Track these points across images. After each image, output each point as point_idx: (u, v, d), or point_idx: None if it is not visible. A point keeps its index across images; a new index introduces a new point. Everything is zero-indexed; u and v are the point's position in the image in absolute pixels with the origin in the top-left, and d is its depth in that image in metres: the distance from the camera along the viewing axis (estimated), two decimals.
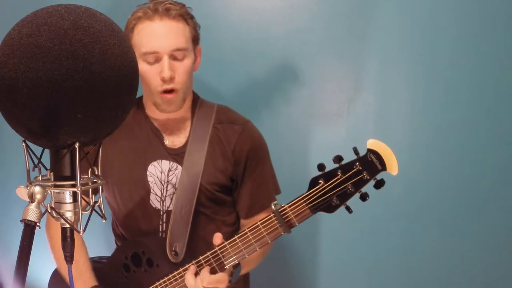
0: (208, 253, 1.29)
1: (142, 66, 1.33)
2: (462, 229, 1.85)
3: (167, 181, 1.44)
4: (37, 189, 0.70)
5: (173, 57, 1.33)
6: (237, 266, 1.34)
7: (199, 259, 1.30)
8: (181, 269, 1.32)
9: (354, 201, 1.19)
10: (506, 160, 1.81)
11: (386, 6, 1.78)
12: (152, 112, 1.46)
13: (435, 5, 1.76)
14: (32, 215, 0.70)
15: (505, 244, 1.85)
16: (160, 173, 1.44)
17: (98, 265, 1.48)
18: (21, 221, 0.70)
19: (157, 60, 1.33)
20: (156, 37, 1.32)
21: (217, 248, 1.28)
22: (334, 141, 1.86)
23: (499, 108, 1.79)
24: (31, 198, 0.71)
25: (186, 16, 1.36)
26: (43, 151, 0.76)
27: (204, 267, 1.28)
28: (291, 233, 1.22)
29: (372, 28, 1.79)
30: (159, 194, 1.45)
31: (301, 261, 1.97)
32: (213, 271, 1.28)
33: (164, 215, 1.45)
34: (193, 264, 1.30)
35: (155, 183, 1.44)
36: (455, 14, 1.76)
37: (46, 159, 0.76)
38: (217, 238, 1.29)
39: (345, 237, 1.92)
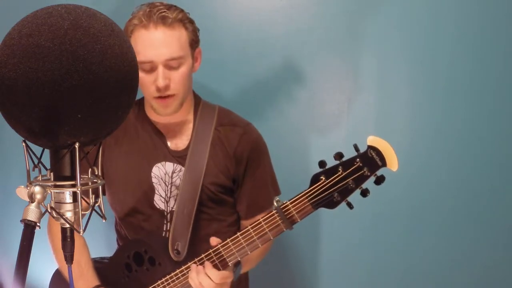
0: (211, 251, 1.29)
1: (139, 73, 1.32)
2: (462, 229, 1.85)
3: (171, 183, 1.45)
4: (37, 189, 0.70)
5: (168, 66, 1.32)
6: (238, 265, 1.34)
7: (201, 256, 1.30)
8: (183, 267, 1.33)
9: (354, 200, 1.20)
10: (506, 160, 1.81)
11: (386, 6, 1.78)
12: (152, 115, 1.47)
13: (435, 5, 1.76)
14: (32, 215, 0.70)
15: (505, 244, 1.85)
16: (164, 175, 1.45)
17: (100, 265, 1.49)
18: (21, 221, 0.70)
19: (153, 69, 1.32)
20: (150, 46, 1.31)
21: (219, 246, 1.28)
22: (334, 141, 1.85)
23: (499, 107, 1.78)
24: (31, 198, 0.71)
25: (184, 21, 1.34)
26: (43, 151, 0.76)
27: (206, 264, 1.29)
28: (293, 229, 1.22)
29: (372, 28, 1.79)
30: (163, 195, 1.46)
31: (301, 261, 1.97)
32: (216, 268, 1.28)
33: (168, 215, 1.46)
34: (194, 263, 1.30)
35: (160, 185, 1.45)
36: (455, 14, 1.75)
37: (46, 159, 0.76)
38: (213, 241, 1.31)
39: (345, 237, 1.92)
